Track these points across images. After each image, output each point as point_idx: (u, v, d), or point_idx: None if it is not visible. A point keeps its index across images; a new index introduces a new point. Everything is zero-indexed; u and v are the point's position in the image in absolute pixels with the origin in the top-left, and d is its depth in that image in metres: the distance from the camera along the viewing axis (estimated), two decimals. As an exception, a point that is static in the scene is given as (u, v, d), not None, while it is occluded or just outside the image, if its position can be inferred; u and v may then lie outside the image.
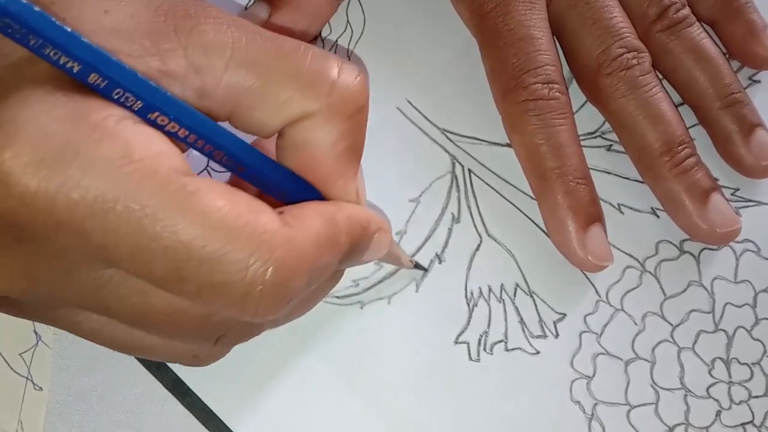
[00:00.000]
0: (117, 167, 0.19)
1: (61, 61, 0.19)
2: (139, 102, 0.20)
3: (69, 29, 0.18)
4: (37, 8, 0.18)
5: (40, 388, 0.30)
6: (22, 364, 0.31)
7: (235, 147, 0.22)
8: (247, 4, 0.36)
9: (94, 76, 0.19)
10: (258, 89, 0.22)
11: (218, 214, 0.20)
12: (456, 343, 0.32)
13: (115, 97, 0.20)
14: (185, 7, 0.22)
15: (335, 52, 0.36)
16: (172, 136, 0.21)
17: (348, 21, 0.37)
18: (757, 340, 0.32)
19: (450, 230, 0.33)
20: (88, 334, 0.24)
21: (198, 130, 0.21)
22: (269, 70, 0.22)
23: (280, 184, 0.24)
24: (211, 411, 0.30)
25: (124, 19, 0.21)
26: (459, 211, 0.34)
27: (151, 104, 0.20)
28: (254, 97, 0.22)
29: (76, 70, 0.19)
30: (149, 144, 0.20)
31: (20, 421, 0.30)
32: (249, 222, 0.20)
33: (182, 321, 0.23)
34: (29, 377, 0.31)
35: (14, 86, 0.19)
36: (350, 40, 0.36)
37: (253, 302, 0.20)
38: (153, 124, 0.20)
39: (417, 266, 0.32)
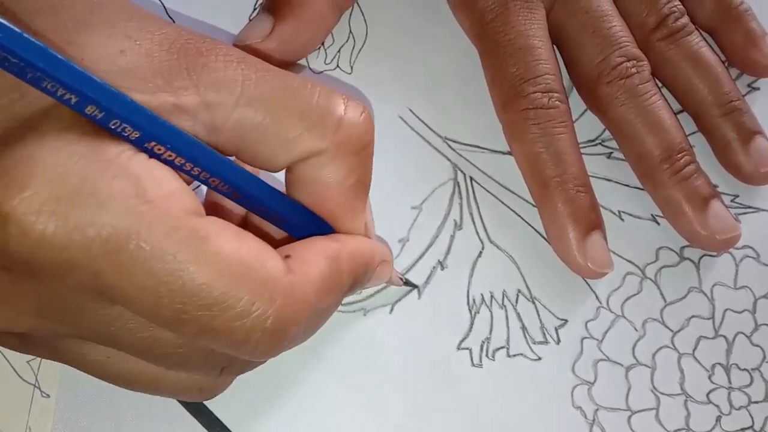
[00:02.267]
0: (131, 206, 0.19)
1: (58, 93, 0.19)
2: (136, 132, 0.20)
3: (61, 56, 0.18)
4: (28, 36, 0.18)
5: (48, 395, 0.31)
6: (29, 371, 0.31)
7: (240, 180, 0.23)
8: (251, 14, 0.37)
9: (91, 108, 0.19)
10: (267, 126, 0.22)
11: (226, 261, 0.20)
12: (458, 349, 0.32)
13: (113, 127, 0.20)
14: (197, 44, 0.22)
15: (337, 63, 0.36)
16: (177, 169, 0.21)
17: (350, 30, 0.37)
18: (757, 345, 0.33)
19: (452, 237, 0.34)
20: (93, 366, 0.24)
21: (199, 161, 0.21)
22: (278, 108, 0.22)
23: (288, 218, 0.24)
24: (216, 418, 0.30)
25: (139, 58, 0.21)
26: (461, 218, 0.34)
27: (149, 133, 0.20)
28: (263, 134, 0.22)
29: (73, 101, 0.19)
30: (162, 182, 0.20)
31: (28, 428, 0.30)
32: (254, 269, 0.21)
33: (190, 353, 0.23)
34: (37, 385, 0.31)
35: (35, 127, 0.20)
36: (353, 50, 0.37)
37: (250, 347, 0.21)
38: (153, 155, 0.21)
39: (407, 283, 0.32)
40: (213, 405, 0.30)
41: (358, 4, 0.37)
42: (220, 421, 0.30)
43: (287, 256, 0.22)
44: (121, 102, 0.19)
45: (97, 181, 0.19)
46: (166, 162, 0.21)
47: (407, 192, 0.34)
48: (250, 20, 0.36)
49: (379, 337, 0.32)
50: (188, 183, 0.22)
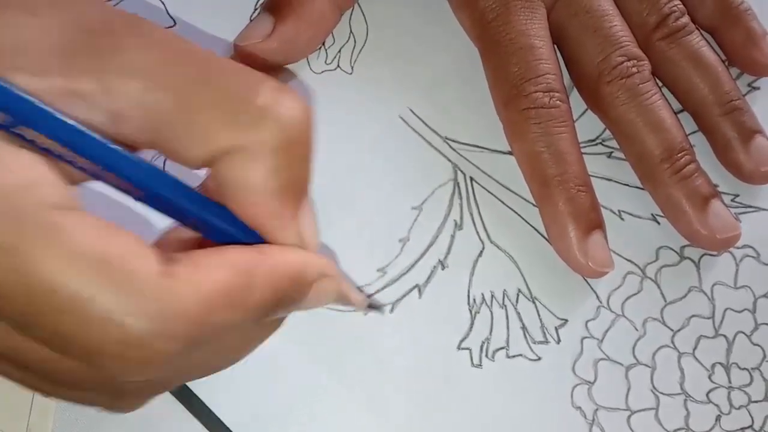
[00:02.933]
0: None
1: None
2: (2, 114, 0.18)
3: None
4: None
5: (49, 394, 0.31)
6: (31, 371, 0.31)
7: (135, 171, 0.19)
8: (252, 15, 0.37)
9: None
10: (178, 116, 0.20)
11: (80, 257, 0.17)
12: (458, 349, 0.32)
13: None
14: (111, 24, 0.20)
15: (338, 63, 0.36)
16: (61, 160, 0.19)
17: (351, 31, 0.37)
18: (757, 345, 0.33)
19: (452, 237, 0.34)
20: None
21: (80, 148, 0.19)
22: (191, 95, 0.20)
23: (210, 223, 0.21)
24: (217, 418, 0.30)
25: (35, 34, 0.19)
26: (461, 218, 0.34)
27: (17, 116, 0.18)
28: (175, 125, 0.20)
29: None
30: (22, 172, 0.18)
31: (29, 428, 0.30)
32: (116, 268, 0.18)
33: (56, 369, 0.20)
34: (38, 384, 0.31)
35: None
36: (353, 50, 0.37)
37: (110, 359, 0.18)
38: (27, 141, 0.18)
39: (371, 306, 0.30)
40: (214, 405, 0.31)
41: (358, 4, 0.37)
42: (220, 420, 0.30)
43: (173, 259, 0.19)
44: None
45: None
46: (47, 152, 0.19)
47: (407, 192, 0.34)
48: (251, 20, 0.36)
49: (379, 337, 0.32)
50: (78, 180, 0.20)
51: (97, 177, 0.20)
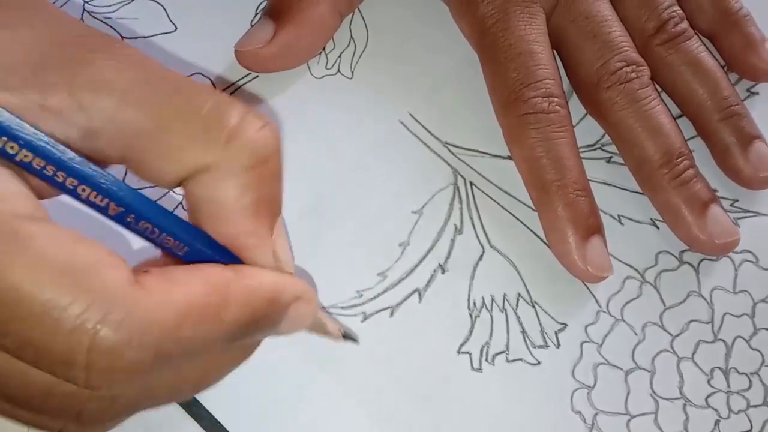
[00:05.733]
0: None
1: None
2: None
3: None
4: None
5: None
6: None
7: (100, 182, 0.19)
8: (253, 20, 0.37)
9: None
10: (151, 133, 0.20)
11: (49, 265, 0.18)
12: (459, 353, 0.32)
13: None
14: (86, 40, 0.20)
15: (338, 68, 0.37)
16: (36, 175, 0.19)
17: (351, 36, 0.37)
18: (756, 349, 0.33)
19: (453, 241, 0.34)
20: None
21: (51, 159, 0.19)
22: (163, 113, 0.20)
23: (183, 242, 0.21)
24: (216, 421, 0.30)
25: (10, 49, 0.19)
26: (461, 222, 0.34)
27: None
28: (147, 142, 0.20)
29: None
30: None
31: (30, 428, 0.30)
32: (87, 276, 0.18)
33: (18, 387, 0.19)
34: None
35: None
36: (353, 55, 0.37)
37: (78, 369, 0.18)
38: (4, 154, 0.18)
39: (346, 337, 0.29)
40: (214, 408, 0.31)
41: (359, 9, 0.37)
42: (221, 424, 0.30)
43: (145, 272, 0.19)
44: None
45: None
46: (20, 165, 0.19)
47: (408, 196, 0.34)
48: (252, 25, 0.36)
49: (379, 341, 0.32)
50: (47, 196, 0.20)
51: (69, 192, 0.20)
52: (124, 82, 0.20)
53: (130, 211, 0.20)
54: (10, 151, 0.18)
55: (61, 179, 0.19)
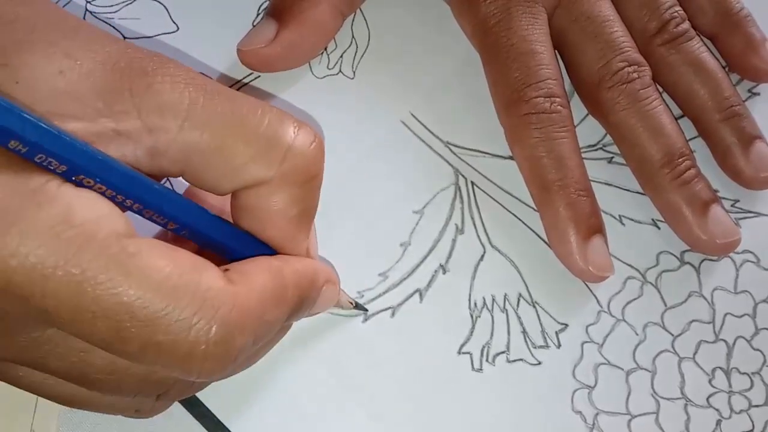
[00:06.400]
0: (57, 233, 0.19)
1: None
2: (63, 166, 0.19)
3: None
4: None
5: (52, 397, 0.31)
6: (34, 373, 0.31)
7: (174, 210, 0.22)
8: (254, 20, 0.37)
9: (14, 142, 0.18)
10: (211, 153, 0.22)
11: (159, 275, 0.20)
12: (459, 353, 0.32)
13: (38, 161, 0.19)
14: (143, 63, 0.22)
15: (340, 68, 0.37)
16: (110, 199, 0.21)
17: (353, 36, 0.37)
18: (757, 350, 0.33)
19: (454, 241, 0.34)
20: (30, 387, 0.24)
21: (130, 192, 0.21)
22: (223, 134, 0.22)
23: (231, 247, 0.24)
24: (219, 421, 0.30)
25: (79, 79, 0.21)
26: (462, 222, 0.34)
27: (76, 166, 0.20)
28: (207, 160, 0.22)
29: None
30: (91, 207, 0.20)
31: (32, 430, 0.31)
32: (191, 280, 0.20)
33: (122, 380, 0.23)
34: (41, 387, 0.31)
35: None
36: (355, 55, 0.37)
37: (197, 361, 0.20)
38: (82, 185, 0.20)
39: (357, 306, 0.32)
40: (216, 408, 0.31)
41: (360, 9, 0.37)
42: (222, 424, 0.30)
43: (226, 270, 0.22)
44: (45, 135, 0.19)
45: (21, 210, 0.19)
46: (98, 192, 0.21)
47: (409, 196, 0.34)
48: (254, 25, 0.36)
49: (380, 341, 0.32)
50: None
51: (137, 212, 0.22)
52: (185, 103, 0.21)
53: (187, 226, 0.23)
54: (87, 185, 0.20)
55: (130, 204, 0.21)
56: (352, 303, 0.31)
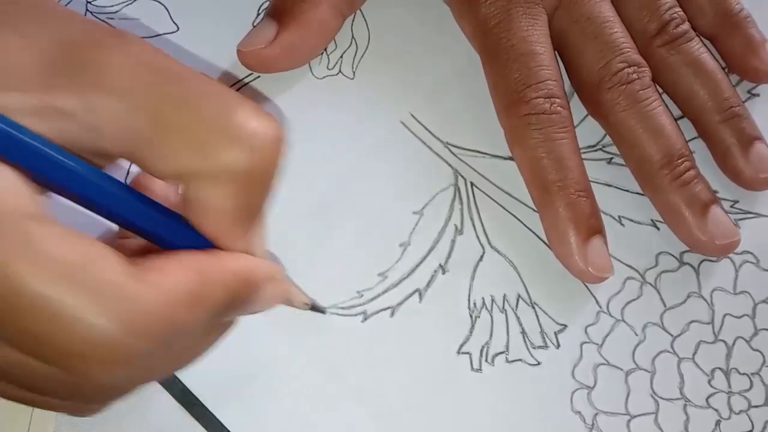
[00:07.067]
0: None
1: None
2: None
3: None
4: None
5: (51, 397, 0.31)
6: (33, 373, 0.31)
7: (88, 190, 0.20)
8: (254, 20, 0.37)
9: None
10: (148, 137, 0.21)
11: (52, 263, 0.18)
12: (458, 353, 0.32)
13: None
14: (96, 39, 0.21)
15: (340, 68, 0.37)
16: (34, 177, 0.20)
17: (353, 36, 0.37)
18: (757, 350, 0.33)
19: (453, 242, 0.34)
20: None
21: (36, 167, 0.19)
22: (161, 119, 0.20)
23: (159, 234, 0.22)
24: (218, 421, 0.30)
25: (22, 53, 0.20)
26: (462, 222, 0.34)
27: None
28: (147, 143, 0.21)
29: None
30: None
31: (30, 430, 0.31)
32: (87, 273, 0.19)
33: (32, 376, 0.21)
34: (40, 386, 0.31)
35: None
36: (355, 55, 0.37)
37: (77, 360, 0.19)
38: None
39: (314, 308, 0.30)
40: (216, 408, 0.31)
41: (360, 10, 0.38)
42: (222, 425, 0.30)
43: (137, 264, 0.20)
44: None
45: None
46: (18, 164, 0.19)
47: (408, 197, 0.34)
48: (254, 26, 0.36)
49: (379, 341, 0.32)
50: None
51: (61, 193, 0.20)
52: (132, 84, 0.20)
53: (120, 216, 0.21)
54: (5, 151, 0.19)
55: (51, 180, 0.20)
56: (307, 304, 0.29)
